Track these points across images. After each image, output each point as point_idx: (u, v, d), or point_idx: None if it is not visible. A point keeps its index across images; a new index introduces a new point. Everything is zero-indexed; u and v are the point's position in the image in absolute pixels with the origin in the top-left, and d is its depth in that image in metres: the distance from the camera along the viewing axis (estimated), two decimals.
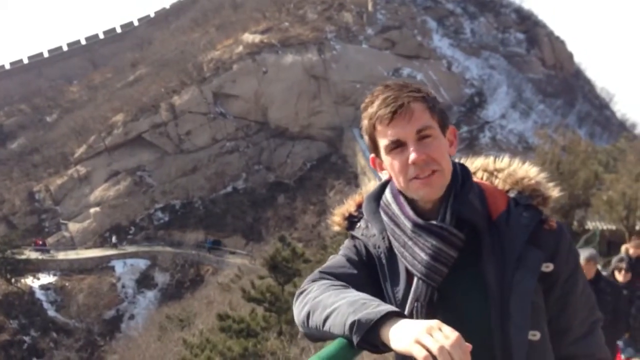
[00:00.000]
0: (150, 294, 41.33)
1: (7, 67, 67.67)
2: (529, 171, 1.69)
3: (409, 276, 1.61)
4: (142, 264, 42.82)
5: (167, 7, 74.60)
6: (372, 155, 1.66)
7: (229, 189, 48.38)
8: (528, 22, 62.82)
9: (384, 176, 1.67)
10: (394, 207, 1.63)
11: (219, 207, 46.85)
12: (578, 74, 65.28)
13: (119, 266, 42.19)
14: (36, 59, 68.85)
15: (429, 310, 1.54)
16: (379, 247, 1.66)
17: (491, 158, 1.77)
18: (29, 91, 63.55)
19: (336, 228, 1.80)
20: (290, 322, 8.17)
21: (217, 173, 48.55)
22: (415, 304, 1.56)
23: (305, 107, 49.86)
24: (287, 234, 35.41)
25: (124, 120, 49.89)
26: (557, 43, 62.88)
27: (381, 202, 1.68)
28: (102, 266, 42.11)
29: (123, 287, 41.31)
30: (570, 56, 64.85)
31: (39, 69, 67.46)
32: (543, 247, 1.57)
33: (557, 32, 65.70)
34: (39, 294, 39.65)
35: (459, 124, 51.07)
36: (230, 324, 8.36)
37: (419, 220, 1.57)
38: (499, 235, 1.57)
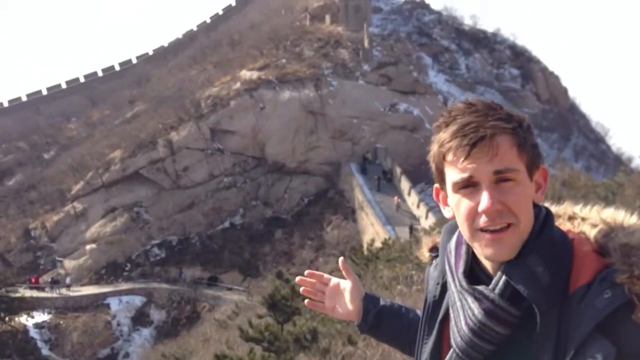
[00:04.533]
0: (146, 332, 40.75)
1: (6, 104, 67.89)
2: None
3: (443, 333, 1.40)
4: (138, 300, 42.31)
5: (166, 44, 75.41)
6: (437, 185, 1.39)
7: (226, 224, 48.17)
8: (522, 58, 63.65)
9: (447, 213, 1.38)
10: (453, 258, 1.39)
11: (216, 242, 46.58)
12: (573, 108, 65.85)
13: (114, 303, 41.66)
14: (35, 97, 69.16)
15: None
16: (429, 293, 1.47)
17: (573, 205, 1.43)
18: (27, 128, 63.69)
19: (424, 260, 1.60)
20: None
21: (214, 208, 48.39)
22: None
23: (302, 143, 50.03)
24: (284, 269, 35.11)
25: (122, 157, 49.93)
26: (551, 78, 63.61)
27: (447, 246, 1.43)
28: (97, 303, 41.59)
29: (118, 324, 40.73)
30: (564, 91, 65.53)
31: (37, 107, 67.71)
32: (618, 342, 1.13)
33: (551, 68, 66.48)
34: (33, 333, 39.05)
35: None
36: None
37: (463, 282, 1.32)
38: (569, 315, 1.20)
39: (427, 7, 67.52)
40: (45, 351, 38.30)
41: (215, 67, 59.52)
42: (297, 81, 51.90)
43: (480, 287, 1.29)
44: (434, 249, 1.57)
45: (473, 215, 1.25)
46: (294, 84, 51.67)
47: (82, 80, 71.23)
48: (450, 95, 55.83)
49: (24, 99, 69.07)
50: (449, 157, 1.28)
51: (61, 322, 39.94)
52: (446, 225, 1.49)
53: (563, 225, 1.36)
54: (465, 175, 1.24)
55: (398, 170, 45.82)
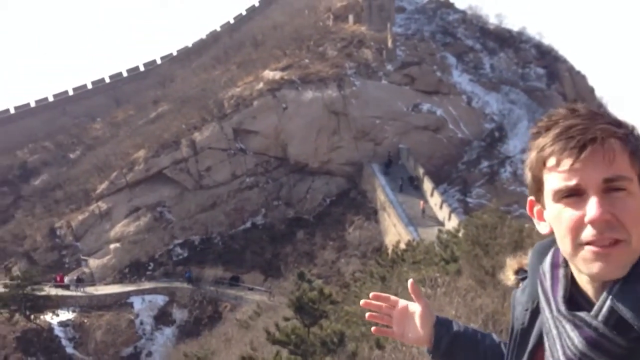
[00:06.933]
0: (168, 331, 40.96)
1: (33, 104, 68.86)
2: None
3: None
4: (161, 300, 42.57)
5: (190, 45, 75.84)
6: (531, 198, 1.25)
7: (248, 224, 48.23)
8: (548, 57, 62.74)
9: (543, 229, 1.23)
10: (548, 281, 1.21)
11: (238, 242, 46.66)
12: (599, 108, 64.66)
13: (137, 302, 41.95)
14: (61, 97, 70.03)
15: None
16: (517, 320, 1.29)
17: None
18: (53, 129, 64.51)
19: (509, 283, 1.43)
20: None
21: (236, 209, 48.48)
22: None
23: (324, 143, 49.90)
24: (306, 270, 35.06)
25: (145, 157, 50.28)
26: (577, 78, 62.62)
27: (540, 267, 1.28)
28: (120, 302, 41.91)
29: (141, 323, 41.00)
30: (591, 90, 64.44)
31: (63, 107, 68.52)
32: None
33: (577, 67, 65.41)
34: (58, 331, 39.44)
35: (480, 158, 50.69)
36: None
37: (561, 307, 1.16)
38: None
39: (451, 6, 66.91)
40: (69, 349, 38.66)
41: (238, 67, 59.68)
42: (319, 81, 51.79)
43: (581, 313, 1.12)
44: (520, 271, 1.41)
45: (578, 226, 1.10)
46: (317, 84, 51.57)
47: (107, 80, 71.95)
48: (475, 95, 55.26)
49: (51, 99, 69.95)
50: (551, 162, 1.14)
51: (85, 321, 40.30)
52: (535, 246, 1.34)
53: None
54: (572, 182, 1.10)
55: (421, 171, 45.45)
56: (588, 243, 1.10)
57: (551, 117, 1.18)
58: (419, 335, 1.60)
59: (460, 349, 1.57)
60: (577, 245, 1.12)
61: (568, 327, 1.13)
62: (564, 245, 1.15)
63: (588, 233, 1.09)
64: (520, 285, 1.38)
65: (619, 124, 1.14)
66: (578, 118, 1.14)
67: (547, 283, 1.22)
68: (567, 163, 1.11)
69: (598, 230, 1.08)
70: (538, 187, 1.19)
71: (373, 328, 1.68)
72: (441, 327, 1.59)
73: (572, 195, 1.12)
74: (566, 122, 1.14)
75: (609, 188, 1.09)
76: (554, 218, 1.16)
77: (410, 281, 1.62)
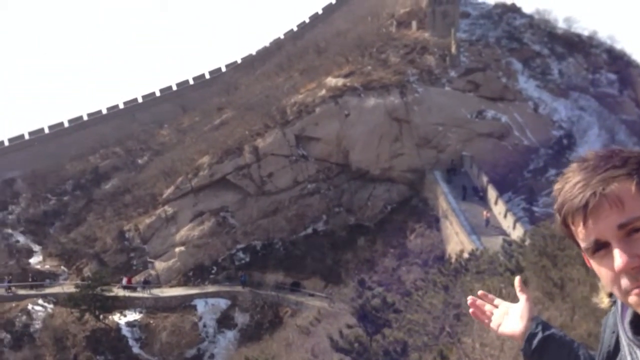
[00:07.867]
0: (230, 334, 41.63)
1: (104, 112, 71.61)
2: None
3: None
4: (223, 303, 43.33)
5: (254, 53, 77.06)
6: (583, 253, 1.24)
7: (309, 230, 48.47)
8: (620, 62, 60.40)
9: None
10: (619, 307, 1.22)
11: (299, 248, 46.95)
12: None
13: (200, 305, 42.86)
14: (131, 104, 72.46)
15: None
16: (604, 342, 1.29)
17: None
18: (123, 135, 66.80)
19: (602, 306, 1.41)
20: None
21: (297, 215, 48.81)
22: None
23: (386, 150, 49.66)
24: (366, 277, 34.85)
25: (210, 162, 51.36)
26: None
27: None
28: (184, 305, 42.93)
29: (204, 326, 41.86)
30: None
31: (133, 114, 70.86)
32: None
33: None
34: (125, 331, 40.77)
35: (547, 166, 49.22)
36: None
37: (628, 332, 1.15)
38: None
39: (518, 10, 65.33)
40: (135, 349, 39.88)
41: (301, 74, 60.18)
42: (382, 88, 51.61)
43: None
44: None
45: (615, 278, 1.11)
46: (379, 91, 51.41)
47: (174, 88, 73.97)
48: (542, 102, 53.76)
49: (121, 106, 72.51)
50: (570, 223, 1.17)
51: (151, 322, 41.47)
52: None
53: None
54: (592, 239, 1.12)
55: (485, 179, 44.51)
56: (632, 290, 1.09)
57: (565, 174, 1.19)
58: (515, 329, 1.64)
59: (551, 351, 1.56)
60: (624, 294, 1.11)
61: (639, 352, 1.11)
62: (614, 293, 1.16)
63: (625, 283, 1.09)
64: (613, 308, 1.35)
65: (623, 162, 1.09)
66: (582, 172, 1.12)
67: (619, 309, 1.22)
68: (579, 223, 1.12)
69: (632, 278, 1.07)
70: (577, 244, 1.20)
71: (471, 310, 1.80)
72: (537, 325, 1.61)
73: (600, 249, 1.12)
74: (573, 180, 1.13)
75: (629, 232, 1.06)
76: (597, 272, 1.18)
77: (517, 278, 1.72)
